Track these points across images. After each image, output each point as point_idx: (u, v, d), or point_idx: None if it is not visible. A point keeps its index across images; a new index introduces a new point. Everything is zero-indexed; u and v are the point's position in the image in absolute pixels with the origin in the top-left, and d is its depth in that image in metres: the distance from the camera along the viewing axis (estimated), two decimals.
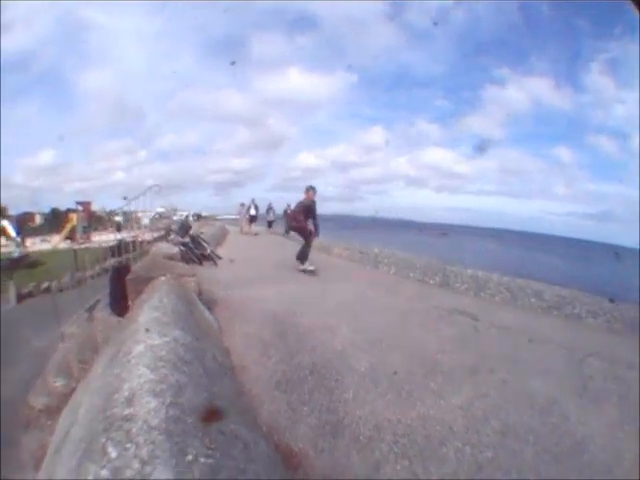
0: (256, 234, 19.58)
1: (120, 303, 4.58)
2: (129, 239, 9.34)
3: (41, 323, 8.33)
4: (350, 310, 5.39)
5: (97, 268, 7.66)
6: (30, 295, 11.93)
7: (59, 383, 4.60)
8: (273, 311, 5.02)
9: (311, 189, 8.40)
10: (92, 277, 7.58)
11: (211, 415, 3.58)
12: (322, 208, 9.51)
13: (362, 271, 9.63)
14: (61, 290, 8.63)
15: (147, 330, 2.43)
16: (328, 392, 3.04)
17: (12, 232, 29.19)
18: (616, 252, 42.44)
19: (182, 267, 5.44)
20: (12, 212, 33.93)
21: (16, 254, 20.57)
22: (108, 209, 33.84)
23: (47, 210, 38.70)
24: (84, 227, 27.95)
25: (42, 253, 22.73)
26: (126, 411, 1.49)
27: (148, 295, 3.78)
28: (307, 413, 2.77)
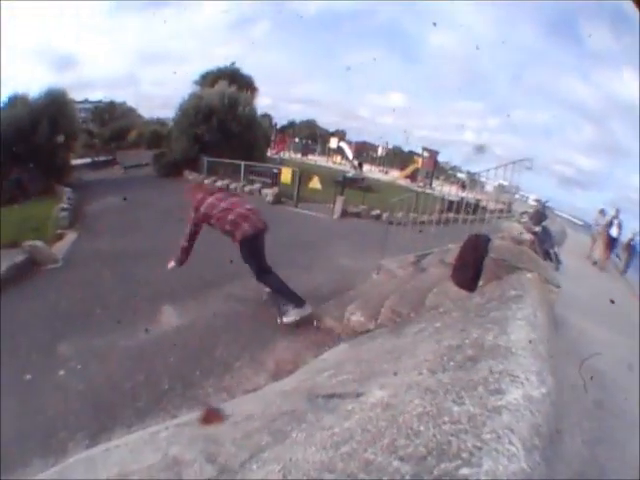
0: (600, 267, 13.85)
1: (465, 274, 4.45)
2: (472, 200, 9.80)
3: (357, 245, 9.54)
4: None
5: (434, 216, 8.31)
6: (357, 215, 13.91)
7: (354, 317, 5.00)
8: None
9: None
10: (426, 222, 8.15)
11: (211, 417, 3.38)
12: None
13: None
14: (391, 223, 9.10)
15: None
16: None
17: (349, 154, 36.43)
18: None
19: (546, 266, 4.93)
20: (353, 139, 42.20)
21: (350, 174, 23.55)
22: (452, 164, 38.72)
23: (390, 147, 44.61)
24: (427, 172, 32.00)
25: (378, 182, 25.92)
26: None
27: (515, 292, 3.43)
28: None
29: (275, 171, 17.41)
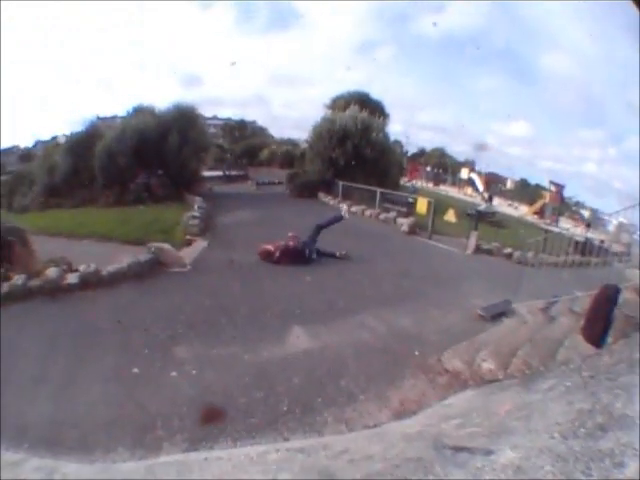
0: None
1: (594, 329, 4.40)
2: (596, 241, 9.98)
3: (490, 284, 9.01)
4: None
5: (562, 258, 8.13)
6: (488, 252, 13.24)
7: (485, 364, 4.82)
8: None
9: None
10: (555, 264, 7.88)
11: (211, 416, 3.65)
12: None
13: None
14: (520, 263, 9.78)
15: None
16: None
17: (479, 186, 36.79)
18: None
19: None
20: (482, 169, 42.12)
21: (482, 207, 23.11)
22: (575, 199, 37.41)
23: (517, 178, 44.21)
24: (553, 208, 31.25)
25: (507, 217, 25.32)
26: None
27: None
28: None
29: (410, 200, 17.32)
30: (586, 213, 34.76)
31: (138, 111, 20.51)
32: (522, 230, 15.82)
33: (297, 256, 8.93)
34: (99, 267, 7.20)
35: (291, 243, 8.97)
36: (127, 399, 4.07)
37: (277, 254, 8.82)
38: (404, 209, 16.89)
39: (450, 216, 17.07)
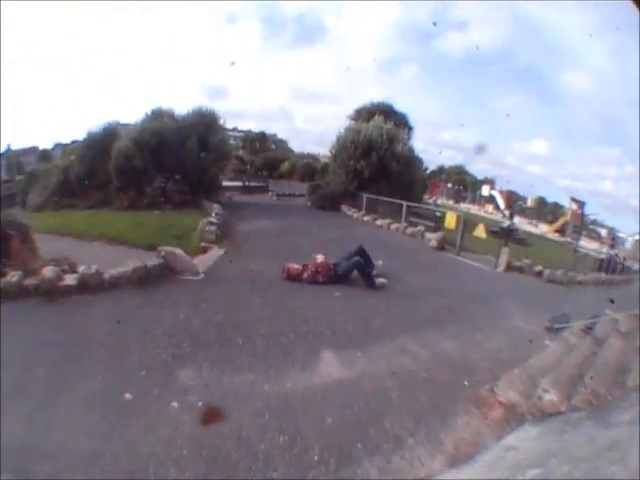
0: None
1: None
2: (617, 259, 10.20)
3: (526, 304, 8.66)
4: None
5: (589, 276, 8.04)
6: (519, 270, 12.74)
7: (548, 395, 4.15)
8: None
9: None
10: (583, 282, 7.65)
11: (211, 416, 3.52)
12: None
13: None
14: (550, 281, 10.00)
15: None
16: None
17: (500, 203, 37.76)
18: None
19: None
20: (501, 188, 42.85)
21: (505, 224, 22.35)
22: (593, 217, 36.77)
23: (534, 196, 44.79)
24: (574, 226, 31.30)
25: (529, 235, 25.74)
26: None
27: None
28: None
29: (438, 214, 16.84)
30: (603, 231, 35.09)
31: (157, 114, 20.01)
32: (552, 248, 17.41)
33: (328, 277, 7.99)
34: (101, 269, 6.57)
35: (320, 263, 8.10)
36: (114, 432, 3.30)
37: (306, 275, 7.94)
38: (432, 223, 16.44)
39: (480, 232, 16.42)
